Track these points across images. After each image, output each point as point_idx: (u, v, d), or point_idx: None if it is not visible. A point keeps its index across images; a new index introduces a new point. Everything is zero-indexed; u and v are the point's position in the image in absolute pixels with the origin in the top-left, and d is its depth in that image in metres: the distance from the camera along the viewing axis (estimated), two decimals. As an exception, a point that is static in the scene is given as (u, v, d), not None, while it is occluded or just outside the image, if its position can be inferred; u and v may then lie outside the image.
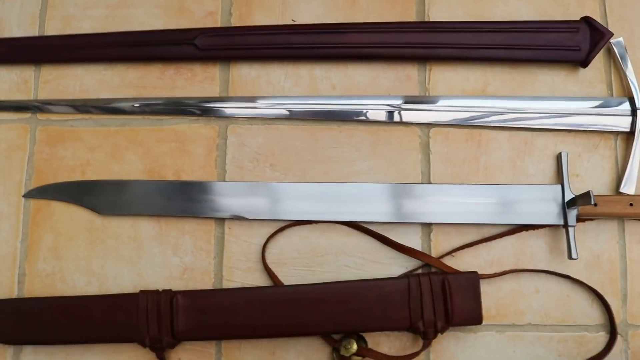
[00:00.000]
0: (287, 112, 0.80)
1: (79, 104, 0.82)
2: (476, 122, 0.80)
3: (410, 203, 0.77)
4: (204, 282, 0.77)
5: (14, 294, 0.78)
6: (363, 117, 0.80)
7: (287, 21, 0.84)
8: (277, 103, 0.80)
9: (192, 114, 0.81)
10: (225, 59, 0.83)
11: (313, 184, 0.78)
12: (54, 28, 0.85)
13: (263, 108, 0.80)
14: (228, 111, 0.81)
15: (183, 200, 0.78)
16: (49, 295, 0.77)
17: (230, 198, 0.78)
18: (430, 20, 0.84)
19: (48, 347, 0.76)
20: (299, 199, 0.77)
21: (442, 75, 0.82)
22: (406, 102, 0.80)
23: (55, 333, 0.74)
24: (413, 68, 0.83)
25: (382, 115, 0.80)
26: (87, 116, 0.82)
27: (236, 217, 0.77)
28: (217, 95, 0.82)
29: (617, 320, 0.76)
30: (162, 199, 0.78)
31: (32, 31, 0.85)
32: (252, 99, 0.81)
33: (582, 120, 0.80)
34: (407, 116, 0.80)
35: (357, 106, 0.80)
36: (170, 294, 0.73)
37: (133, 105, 0.81)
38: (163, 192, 0.78)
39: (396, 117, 0.80)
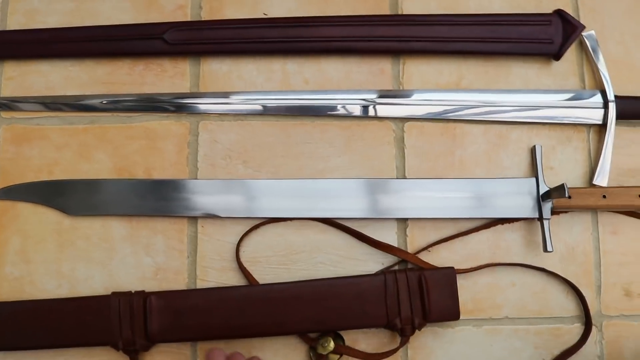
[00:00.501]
0: (260, 108, 0.79)
1: (46, 101, 0.79)
2: (451, 115, 0.79)
3: (386, 198, 0.77)
4: (178, 282, 0.76)
5: (-20, 299, 0.76)
6: (337, 112, 0.79)
7: (259, 15, 0.82)
8: (250, 98, 0.79)
9: (163, 110, 0.79)
10: (195, 54, 0.81)
11: (287, 180, 0.77)
12: (17, 22, 0.82)
13: (235, 104, 0.79)
14: (200, 107, 0.79)
15: (154, 199, 0.76)
16: (17, 300, 0.75)
17: (202, 196, 0.76)
18: (404, 13, 0.83)
19: (18, 353, 0.74)
20: (272, 196, 0.76)
21: (416, 69, 0.82)
22: (380, 97, 0.79)
23: (25, 338, 0.72)
24: (387, 62, 0.82)
25: (356, 110, 0.79)
26: (54, 114, 0.80)
27: (209, 216, 0.76)
28: (188, 91, 0.80)
29: (592, 311, 0.76)
30: (133, 198, 0.76)
31: (-6, 26, 0.83)
32: (224, 94, 0.79)
33: (555, 113, 0.80)
34: (381, 110, 0.79)
35: (331, 101, 0.79)
36: (143, 295, 0.72)
37: (102, 102, 0.79)
38: (134, 191, 0.76)
39: (370, 112, 0.79)
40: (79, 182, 0.77)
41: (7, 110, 0.79)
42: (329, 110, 0.79)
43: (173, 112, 0.79)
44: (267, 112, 0.79)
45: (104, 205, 0.76)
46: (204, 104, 0.79)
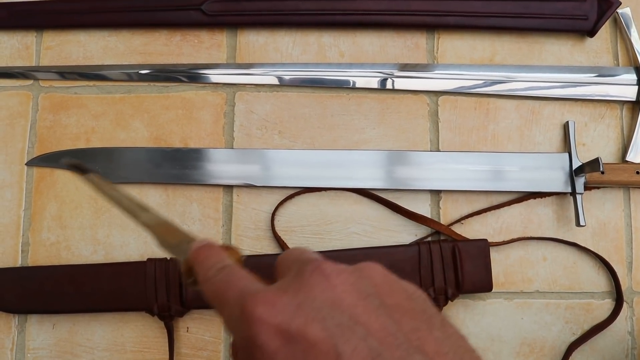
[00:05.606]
0: (296, 80, 0.79)
1: (83, 70, 0.80)
2: (484, 90, 0.80)
3: (419, 170, 0.77)
4: (212, 250, 0.76)
5: (17, 263, 0.76)
6: (372, 85, 0.79)
7: (295, -12, 0.83)
8: (286, 70, 0.80)
9: (199, 80, 0.80)
10: (232, 25, 0.81)
11: (322, 151, 0.78)
12: (56, -7, 0.83)
13: (271, 75, 0.79)
14: (235, 78, 0.80)
15: (190, 167, 0.77)
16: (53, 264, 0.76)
17: (238, 165, 0.77)
18: (438, -11, 0.84)
19: (53, 317, 0.75)
20: (308, 166, 0.77)
21: (450, 44, 0.82)
22: (415, 70, 0.80)
23: (61, 302, 0.73)
24: (421, 36, 0.82)
25: (390, 83, 0.79)
26: (91, 83, 0.80)
27: (244, 185, 0.77)
28: (224, 62, 0.81)
29: (623, 287, 0.76)
30: (169, 166, 0.77)
31: (34, -4, 0.83)
32: (260, 65, 0.80)
33: (588, 90, 0.80)
34: (416, 84, 0.79)
35: (366, 74, 0.79)
36: (179, 262, 0.72)
37: (139, 72, 0.80)
38: (170, 160, 0.77)
39: (405, 85, 0.79)
40: (115, 150, 0.78)
41: (44, 79, 0.80)
42: (365, 83, 0.79)
43: (207, 82, 0.80)
44: (302, 84, 0.79)
45: (140, 173, 0.77)
46: (238, 75, 0.79)
